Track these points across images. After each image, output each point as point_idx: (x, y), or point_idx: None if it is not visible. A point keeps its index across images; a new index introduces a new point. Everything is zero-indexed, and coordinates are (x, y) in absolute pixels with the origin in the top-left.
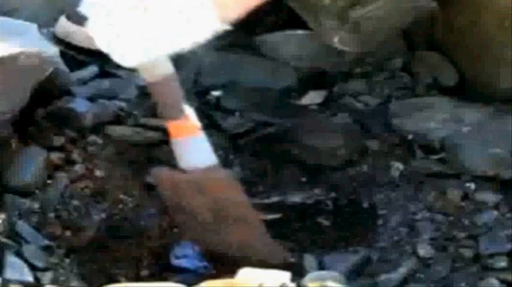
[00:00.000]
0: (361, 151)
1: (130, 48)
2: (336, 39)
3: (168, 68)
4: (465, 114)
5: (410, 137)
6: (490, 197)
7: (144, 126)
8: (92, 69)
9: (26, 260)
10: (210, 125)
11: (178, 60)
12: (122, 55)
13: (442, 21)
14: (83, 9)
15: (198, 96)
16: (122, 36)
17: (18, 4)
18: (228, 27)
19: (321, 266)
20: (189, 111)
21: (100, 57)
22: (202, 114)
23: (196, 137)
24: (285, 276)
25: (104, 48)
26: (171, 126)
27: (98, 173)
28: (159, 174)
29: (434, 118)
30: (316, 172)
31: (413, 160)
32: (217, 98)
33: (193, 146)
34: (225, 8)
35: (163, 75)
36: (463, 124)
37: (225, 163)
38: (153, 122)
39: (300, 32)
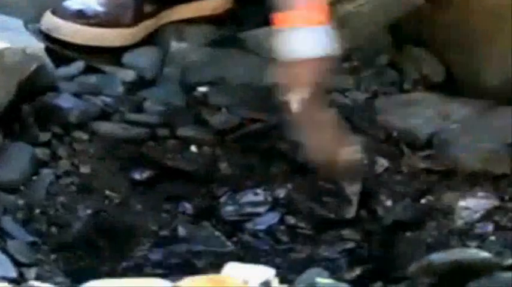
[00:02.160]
0: None
1: None
2: None
3: None
4: (453, 110)
5: (395, 133)
6: None
7: (130, 122)
8: (78, 65)
9: (10, 256)
10: (197, 121)
11: (165, 57)
12: None
13: (430, 18)
14: None
15: (185, 92)
16: None
17: (3, 0)
18: None
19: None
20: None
21: (86, 53)
22: (189, 110)
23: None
24: (270, 272)
25: None
26: (279, 15)
27: (84, 169)
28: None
29: (421, 114)
30: (303, 167)
31: (400, 156)
32: (204, 94)
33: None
34: None
35: None
36: (450, 120)
37: (212, 159)
38: (139, 118)
39: None
